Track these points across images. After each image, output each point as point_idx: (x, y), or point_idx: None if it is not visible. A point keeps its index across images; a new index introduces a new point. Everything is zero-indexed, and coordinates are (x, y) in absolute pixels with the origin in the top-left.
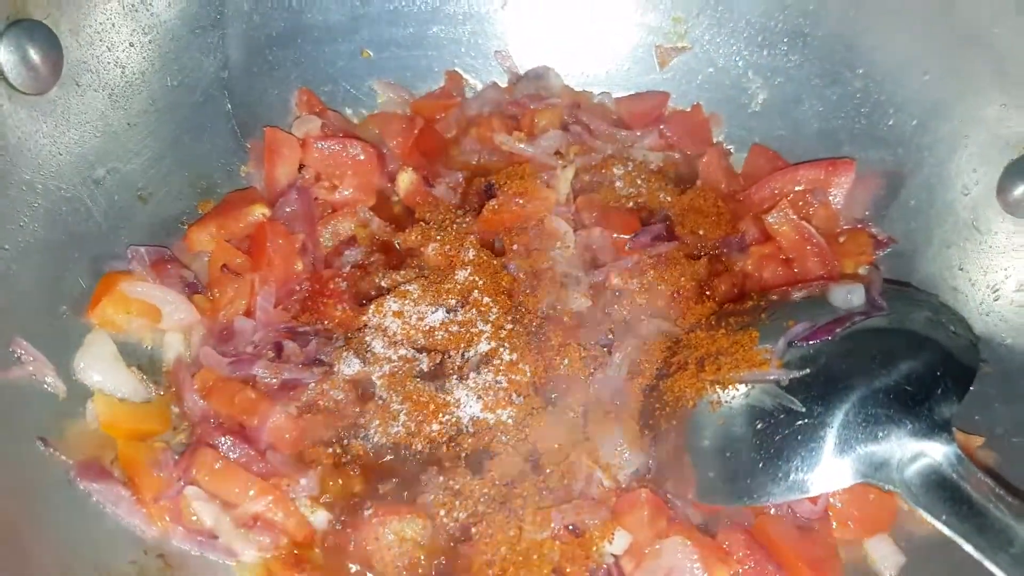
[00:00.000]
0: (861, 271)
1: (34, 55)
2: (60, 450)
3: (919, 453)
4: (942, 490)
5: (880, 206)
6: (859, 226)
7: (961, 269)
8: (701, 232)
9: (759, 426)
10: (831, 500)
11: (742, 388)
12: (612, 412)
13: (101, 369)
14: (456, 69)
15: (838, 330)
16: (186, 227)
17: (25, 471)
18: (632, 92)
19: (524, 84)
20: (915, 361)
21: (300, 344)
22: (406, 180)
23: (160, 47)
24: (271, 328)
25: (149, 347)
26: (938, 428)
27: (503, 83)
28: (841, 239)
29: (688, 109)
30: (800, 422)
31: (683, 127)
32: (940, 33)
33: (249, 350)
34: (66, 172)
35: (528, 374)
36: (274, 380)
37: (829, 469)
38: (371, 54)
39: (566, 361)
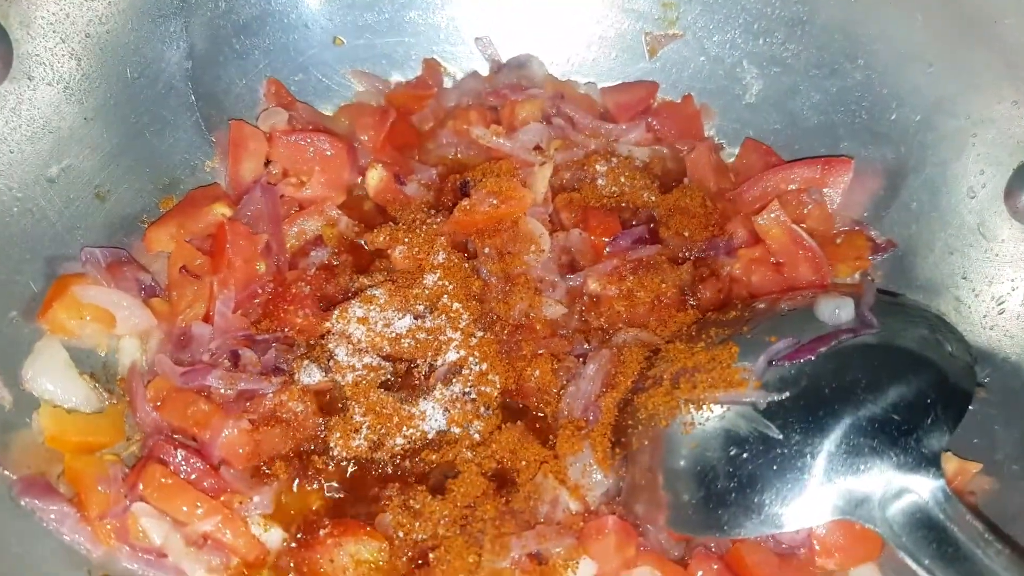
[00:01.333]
0: (856, 276)
1: None
2: (3, 464)
3: (904, 488)
4: (927, 531)
5: (880, 207)
6: (856, 228)
7: (964, 278)
8: (686, 234)
9: (733, 452)
10: (814, 527)
11: (717, 410)
12: (583, 429)
13: (52, 377)
14: (434, 57)
15: (822, 349)
16: (146, 226)
17: None
18: (619, 82)
19: (505, 73)
20: (905, 386)
21: (259, 352)
22: (375, 177)
23: (119, 37)
24: (229, 335)
25: (104, 353)
26: (926, 462)
27: (484, 71)
28: (837, 241)
29: (678, 100)
30: (776, 451)
31: (672, 119)
32: (946, 24)
33: (206, 358)
34: (17, 171)
35: (497, 386)
36: (230, 391)
37: (806, 504)
38: (344, 41)
39: (537, 373)
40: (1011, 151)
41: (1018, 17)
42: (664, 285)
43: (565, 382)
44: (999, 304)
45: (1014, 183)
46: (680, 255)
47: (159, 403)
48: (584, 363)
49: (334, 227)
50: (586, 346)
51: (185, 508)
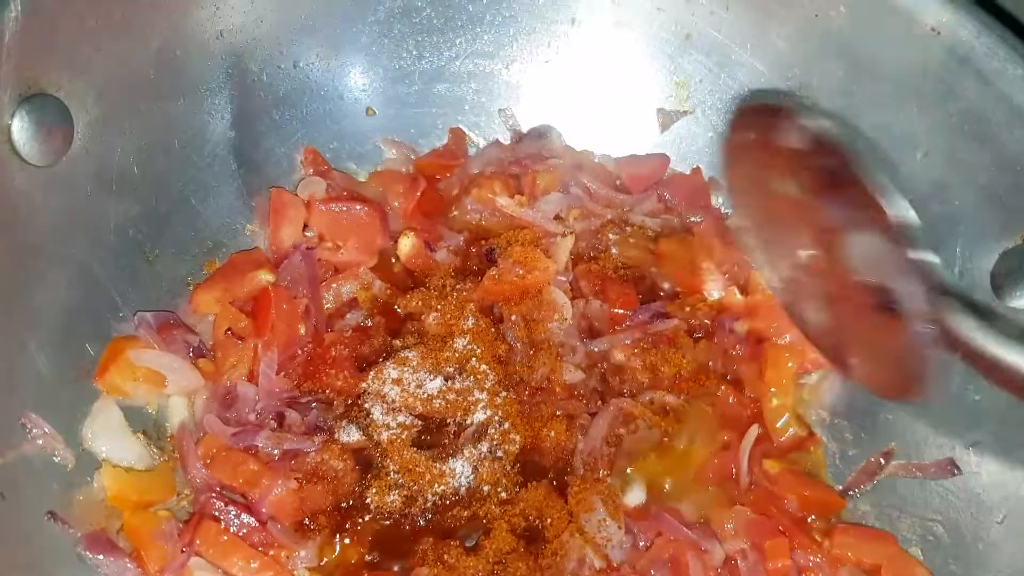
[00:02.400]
0: None
1: (46, 129)
2: (68, 522)
3: None
4: None
5: None
6: None
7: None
8: (690, 308)
9: None
10: None
11: None
12: (591, 482)
13: (109, 438)
14: (459, 126)
15: None
16: (192, 287)
17: (34, 546)
18: (633, 153)
19: (526, 143)
20: None
21: (302, 412)
22: (407, 244)
23: (169, 112)
24: (274, 396)
25: (153, 412)
26: None
27: (505, 140)
28: None
29: (687, 172)
30: None
31: (682, 190)
32: (939, 116)
33: (252, 418)
34: (75, 238)
35: (517, 444)
36: (276, 450)
37: None
38: (376, 111)
39: (552, 433)
40: (998, 237)
41: (1005, 114)
42: (685, 360)
43: (577, 440)
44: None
45: (999, 267)
46: (691, 325)
47: (209, 461)
48: (592, 417)
49: (368, 290)
50: (599, 403)
51: (240, 563)
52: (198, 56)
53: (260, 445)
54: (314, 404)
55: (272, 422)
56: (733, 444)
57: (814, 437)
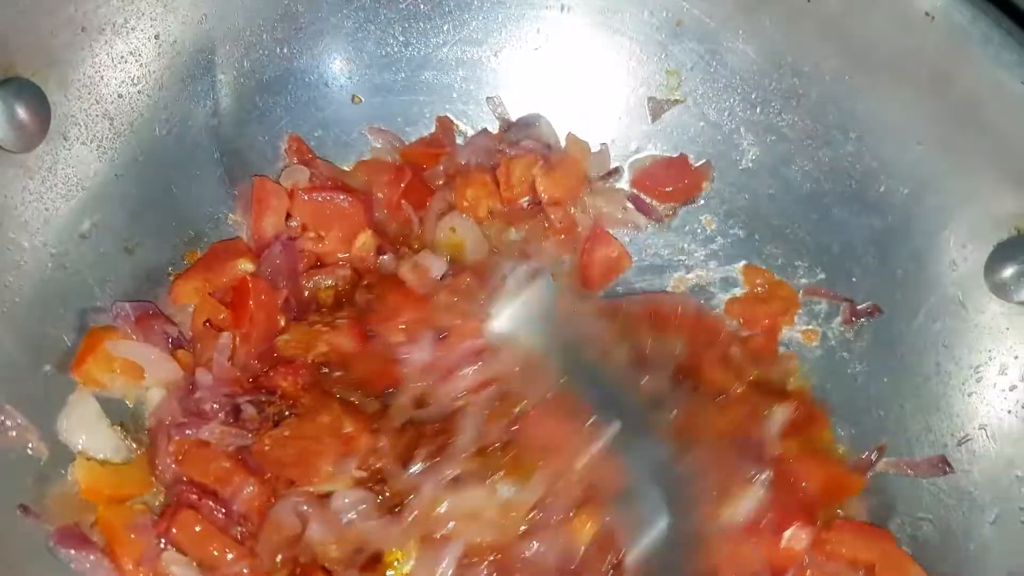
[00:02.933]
0: None
1: (22, 114)
2: (41, 516)
3: None
4: None
5: (868, 273)
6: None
7: (945, 346)
8: None
9: None
10: None
11: None
12: None
13: (86, 430)
14: (447, 115)
15: None
16: (172, 277)
17: (3, 540)
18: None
19: (514, 131)
20: None
21: (258, 408)
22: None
23: (149, 97)
24: (226, 385)
25: (131, 404)
26: None
27: (494, 129)
28: None
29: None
30: None
31: (669, 175)
32: (936, 104)
33: (208, 408)
34: (52, 228)
35: None
36: (223, 445)
37: None
38: (362, 99)
39: None
40: (992, 229)
41: (1004, 103)
42: None
43: None
44: (976, 372)
45: (993, 259)
46: None
47: (181, 457)
48: None
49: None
50: None
51: (216, 553)
52: (180, 41)
53: (205, 437)
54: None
55: (228, 415)
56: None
57: (822, 419)
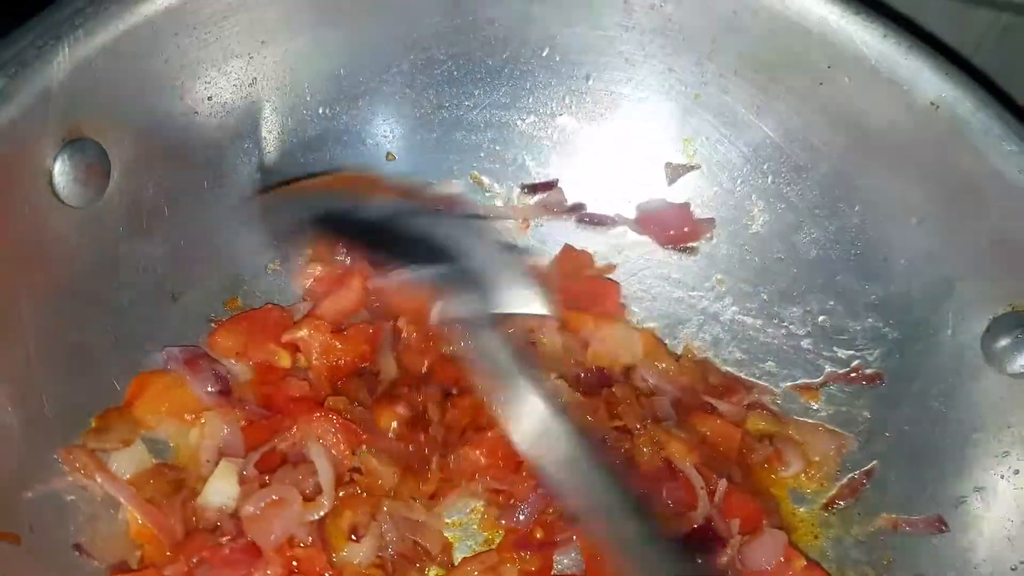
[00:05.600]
0: None
1: (86, 172)
2: (94, 556)
3: None
4: None
5: (870, 341)
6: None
7: (942, 410)
8: None
9: None
10: None
11: None
12: None
13: (134, 470)
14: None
15: None
16: (214, 324)
17: None
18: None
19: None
20: None
21: None
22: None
23: (199, 154)
24: None
25: (173, 444)
26: None
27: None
28: None
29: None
30: None
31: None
32: (937, 183)
33: None
34: (106, 277)
35: None
36: None
37: None
38: (395, 157)
39: None
40: (988, 303)
41: (999, 191)
42: None
43: None
44: (972, 437)
45: (989, 332)
46: None
47: None
48: None
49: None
50: None
51: None
52: (231, 101)
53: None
54: None
55: None
56: None
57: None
